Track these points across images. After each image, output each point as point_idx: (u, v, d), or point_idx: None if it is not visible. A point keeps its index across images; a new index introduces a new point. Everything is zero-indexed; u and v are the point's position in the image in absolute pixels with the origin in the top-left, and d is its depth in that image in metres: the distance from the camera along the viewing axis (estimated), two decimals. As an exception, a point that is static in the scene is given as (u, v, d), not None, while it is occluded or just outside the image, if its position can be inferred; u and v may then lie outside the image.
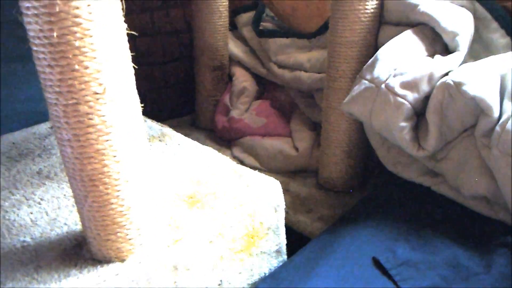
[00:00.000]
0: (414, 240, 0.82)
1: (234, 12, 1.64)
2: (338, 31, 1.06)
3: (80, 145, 0.61)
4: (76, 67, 0.56)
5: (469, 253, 0.79)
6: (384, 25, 1.07)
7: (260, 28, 1.53)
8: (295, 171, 1.33)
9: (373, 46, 1.07)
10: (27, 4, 0.54)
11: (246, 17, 1.60)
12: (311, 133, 1.36)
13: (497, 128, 0.80)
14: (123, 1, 0.61)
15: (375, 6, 1.04)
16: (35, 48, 0.57)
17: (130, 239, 0.70)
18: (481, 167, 0.85)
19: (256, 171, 0.95)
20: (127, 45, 0.63)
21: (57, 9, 0.53)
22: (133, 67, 0.66)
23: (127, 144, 0.64)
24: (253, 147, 1.39)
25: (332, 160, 1.19)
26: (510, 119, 0.79)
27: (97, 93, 0.59)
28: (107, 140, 0.62)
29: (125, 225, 0.69)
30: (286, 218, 1.11)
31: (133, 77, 0.65)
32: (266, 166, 1.35)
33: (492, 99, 0.81)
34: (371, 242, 0.83)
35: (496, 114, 0.81)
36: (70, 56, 0.56)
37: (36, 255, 0.75)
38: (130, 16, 1.65)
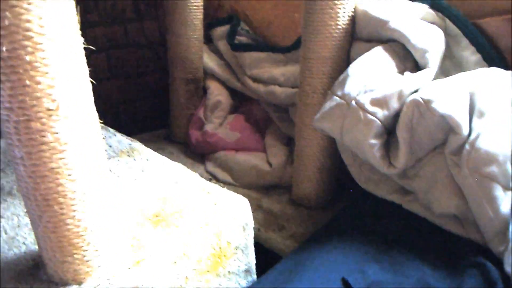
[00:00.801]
0: (385, 261, 0.81)
1: (209, 25, 1.63)
2: (310, 47, 1.06)
3: (32, 164, 0.59)
4: (27, 82, 0.54)
5: (439, 273, 0.77)
6: (356, 41, 1.07)
7: (235, 41, 1.52)
8: (269, 187, 1.31)
9: (345, 62, 1.06)
10: (-24, 17, 0.51)
11: (221, 30, 1.58)
12: (285, 148, 1.34)
13: (467, 146, 0.80)
14: (79, 15, 0.59)
15: (346, 22, 1.03)
16: (-16, 62, 0.54)
17: (87, 261, 0.67)
18: (451, 185, 0.84)
19: (225, 188, 0.93)
20: (84, 59, 0.61)
21: (7, 23, 0.51)
22: (92, 81, 0.64)
23: (83, 163, 0.62)
24: (226, 162, 1.37)
25: (305, 176, 1.17)
26: (479, 137, 0.79)
27: (50, 110, 0.56)
28: (61, 159, 0.59)
29: (82, 246, 0.66)
30: (257, 236, 1.09)
31: (91, 93, 0.63)
32: (239, 181, 1.33)
33: (461, 117, 0.81)
34: (341, 262, 0.82)
35: (465, 132, 0.81)
36: (21, 71, 0.53)
37: (-8, 276, 0.71)
38: (102, 27, 1.63)
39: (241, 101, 1.57)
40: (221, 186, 1.22)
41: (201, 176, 1.31)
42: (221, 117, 1.50)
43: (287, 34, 1.49)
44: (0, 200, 0.91)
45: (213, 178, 1.37)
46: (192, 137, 1.51)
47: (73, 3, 0.58)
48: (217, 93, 1.53)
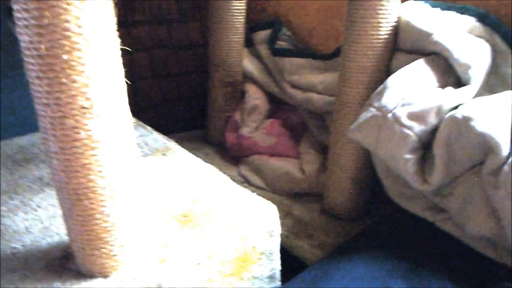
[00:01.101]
0: (412, 280, 0.79)
1: (251, 29, 1.63)
2: (350, 56, 1.04)
3: (66, 158, 0.61)
4: (64, 80, 0.56)
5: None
6: (397, 52, 1.04)
7: (276, 46, 1.52)
8: (300, 194, 1.30)
9: (385, 73, 1.04)
10: (19, 15, 0.54)
11: (263, 34, 1.58)
12: (319, 156, 1.33)
13: (505, 167, 0.76)
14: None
15: (389, 32, 1.01)
16: (25, 59, 0.57)
17: (114, 256, 0.69)
18: (486, 206, 0.81)
19: (256, 192, 0.93)
20: (119, 59, 0.63)
21: (46, 22, 0.53)
22: (128, 81, 0.65)
23: (114, 160, 0.63)
24: (260, 167, 1.37)
25: (337, 186, 1.16)
26: (520, 158, 0.75)
27: (84, 108, 0.58)
28: (93, 155, 0.61)
29: (109, 241, 0.67)
30: (285, 242, 1.08)
31: (125, 92, 0.64)
32: (271, 186, 1.33)
33: (501, 137, 0.77)
34: (366, 277, 0.80)
35: (505, 152, 0.77)
36: (58, 69, 0.55)
37: (25, 263, 0.74)
38: (147, 26, 1.66)
39: (278, 106, 1.57)
40: (253, 190, 1.22)
41: (234, 179, 1.31)
42: (257, 121, 1.50)
43: (329, 41, 1.48)
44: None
45: (246, 181, 1.38)
46: (228, 139, 1.52)
47: (111, 4, 0.59)
48: (254, 97, 1.53)
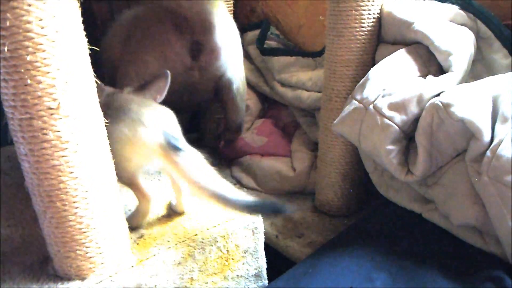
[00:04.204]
0: (396, 270, 0.77)
1: (240, 30, 1.63)
2: (334, 50, 1.04)
3: (36, 160, 0.61)
4: (29, 81, 0.56)
5: (453, 286, 0.73)
6: (381, 44, 1.03)
7: (265, 46, 1.52)
8: (292, 193, 1.29)
9: (369, 66, 1.03)
10: (-19, 18, 0.54)
11: (252, 35, 1.58)
12: (310, 154, 1.32)
13: (488, 153, 0.75)
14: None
15: (372, 24, 1.00)
16: (-9, 62, 0.57)
17: (90, 258, 0.69)
18: (471, 194, 0.79)
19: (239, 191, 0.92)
20: (88, 60, 0.63)
21: (8, 24, 0.53)
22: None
23: (85, 161, 0.63)
24: (251, 167, 1.36)
25: (327, 182, 1.14)
26: (502, 143, 0.74)
27: (51, 108, 0.58)
28: (63, 156, 0.61)
29: (84, 243, 0.67)
30: (275, 243, 1.07)
31: (95, 93, 0.64)
32: (263, 186, 1.31)
33: (482, 122, 0.76)
34: (351, 271, 0.79)
35: (486, 137, 0.76)
36: (22, 70, 0.56)
37: (4, 268, 0.74)
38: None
39: (270, 105, 1.56)
40: (244, 191, 1.21)
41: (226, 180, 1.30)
42: (249, 122, 1.49)
43: (317, 38, 1.48)
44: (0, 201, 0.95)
45: (238, 183, 1.37)
46: (220, 141, 1.51)
47: (77, 4, 0.59)
48: (246, 98, 1.52)
